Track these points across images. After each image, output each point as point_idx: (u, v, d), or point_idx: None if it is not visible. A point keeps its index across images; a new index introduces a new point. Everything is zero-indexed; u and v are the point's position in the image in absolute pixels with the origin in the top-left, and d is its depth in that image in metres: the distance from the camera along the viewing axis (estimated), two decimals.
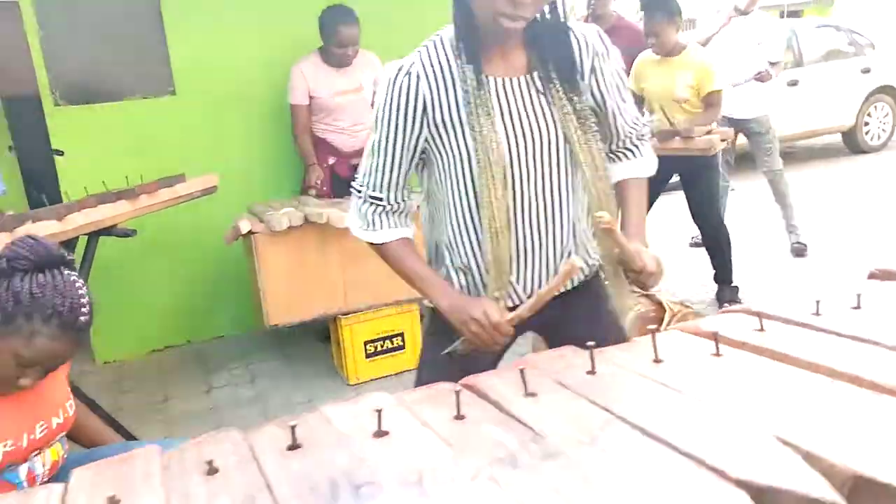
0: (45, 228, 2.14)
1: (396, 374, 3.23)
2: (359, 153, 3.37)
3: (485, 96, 1.32)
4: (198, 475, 0.66)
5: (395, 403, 0.78)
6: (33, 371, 1.47)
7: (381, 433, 0.68)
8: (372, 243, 1.46)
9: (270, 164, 3.77)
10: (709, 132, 3.17)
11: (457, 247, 1.44)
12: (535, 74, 1.37)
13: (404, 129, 1.36)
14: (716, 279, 3.78)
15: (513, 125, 1.35)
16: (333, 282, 3.05)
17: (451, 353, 1.43)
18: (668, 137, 3.16)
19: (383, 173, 1.41)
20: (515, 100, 1.36)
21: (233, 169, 3.51)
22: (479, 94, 1.32)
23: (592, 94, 1.42)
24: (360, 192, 1.44)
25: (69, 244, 2.32)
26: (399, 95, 1.34)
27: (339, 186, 3.50)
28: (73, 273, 1.51)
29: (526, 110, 1.36)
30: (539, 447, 0.63)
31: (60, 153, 3.36)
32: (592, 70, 1.40)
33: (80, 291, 1.48)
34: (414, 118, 1.36)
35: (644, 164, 1.54)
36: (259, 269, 2.90)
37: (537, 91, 1.37)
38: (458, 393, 0.73)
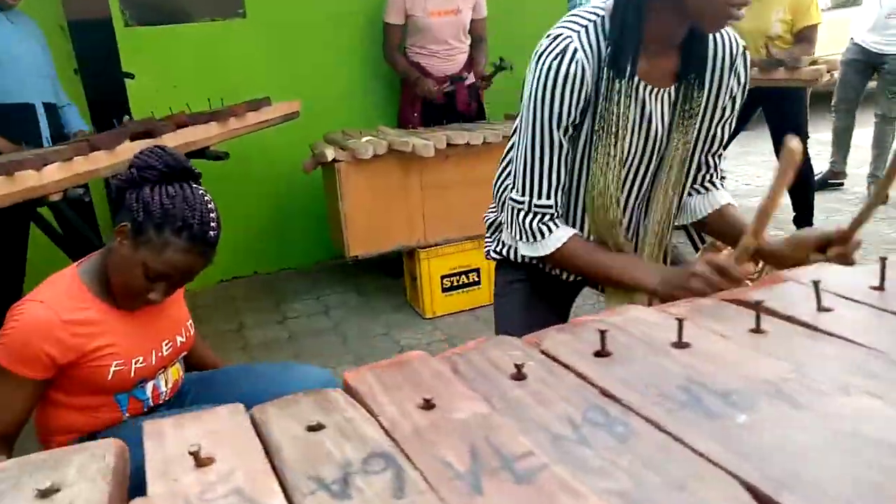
0: (142, 148, 2.08)
1: (471, 309, 3.19)
2: (448, 78, 3.33)
3: (628, 98, 1.22)
4: (505, 378, 0.59)
5: (665, 318, 0.70)
6: (162, 285, 1.43)
7: (681, 344, 0.61)
8: (546, 256, 1.31)
9: (344, 92, 3.67)
10: (814, 62, 2.98)
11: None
12: (681, 85, 1.27)
13: (568, 123, 1.22)
14: (796, 221, 3.65)
15: (646, 130, 1.28)
16: (414, 214, 2.98)
17: None
18: (772, 67, 2.98)
19: (550, 176, 1.26)
20: (654, 109, 1.27)
21: (302, 96, 3.40)
22: (625, 95, 1.22)
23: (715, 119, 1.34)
24: (522, 203, 1.29)
25: None
26: (567, 84, 1.19)
27: (430, 114, 3.40)
28: (200, 187, 1.45)
29: (662, 120, 1.29)
30: None
31: (131, 76, 3.28)
32: (731, 97, 1.33)
33: (210, 205, 1.43)
34: (578, 110, 1.22)
35: (726, 194, 1.46)
36: (342, 198, 2.83)
37: (679, 102, 1.28)
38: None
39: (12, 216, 1.96)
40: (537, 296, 1.46)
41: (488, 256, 1.53)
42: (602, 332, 0.60)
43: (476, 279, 3.18)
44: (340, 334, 3.03)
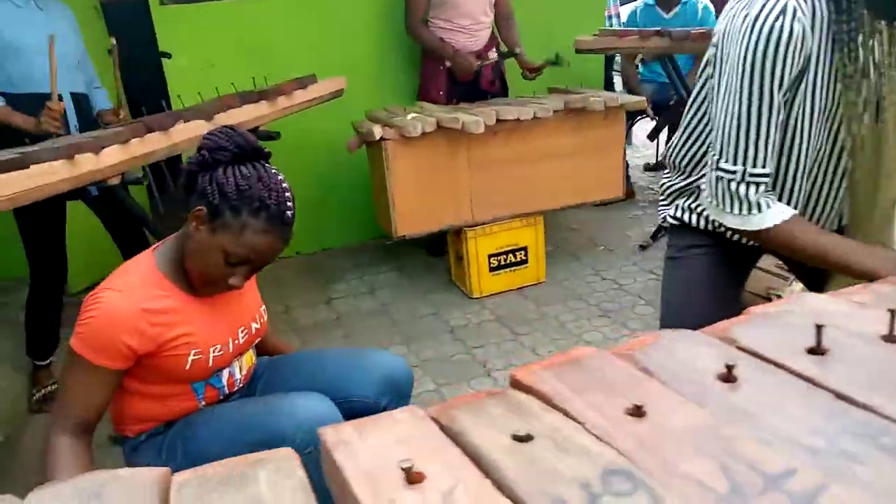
0: (196, 129, 2.03)
1: (518, 288, 3.14)
2: (475, 55, 3.24)
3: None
4: (712, 379, 0.53)
5: (853, 307, 0.64)
6: (242, 269, 1.39)
7: (892, 337, 0.55)
8: (761, 230, 1.23)
9: (385, 69, 3.59)
10: None
11: None
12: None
13: (787, 86, 1.18)
14: None
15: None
16: (462, 192, 2.92)
17: None
18: None
19: (767, 143, 1.20)
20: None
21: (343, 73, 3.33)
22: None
23: None
24: (734, 172, 1.22)
25: None
26: (790, 43, 1.14)
27: (455, 92, 3.32)
28: (272, 166, 1.40)
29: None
30: None
31: (168, 56, 3.22)
32: None
33: (284, 184, 1.38)
34: (799, 69, 1.17)
35: None
36: (389, 177, 2.77)
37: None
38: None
39: (57, 201, 1.92)
40: (718, 263, 1.45)
41: (663, 222, 1.53)
42: (818, 327, 0.54)
43: (524, 258, 3.12)
44: (388, 315, 3.00)
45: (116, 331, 1.32)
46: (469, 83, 3.30)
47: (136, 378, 1.43)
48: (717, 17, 3.89)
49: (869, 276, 1.11)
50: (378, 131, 2.69)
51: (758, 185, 1.21)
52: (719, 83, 1.24)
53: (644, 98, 3.17)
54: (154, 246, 1.48)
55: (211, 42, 3.27)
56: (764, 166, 1.20)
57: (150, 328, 1.35)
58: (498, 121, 2.75)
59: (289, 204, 1.36)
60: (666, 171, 1.56)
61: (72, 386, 1.36)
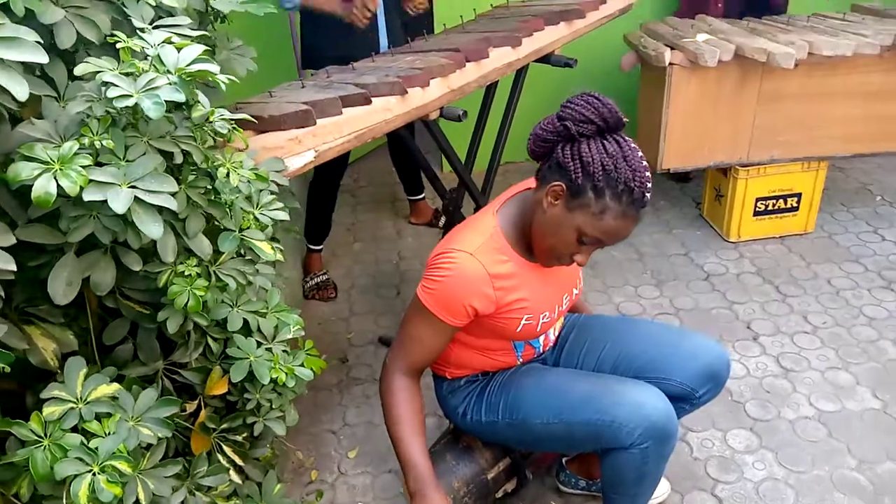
0: (504, 56, 1.94)
1: (781, 237, 2.87)
2: None
3: None
4: None
5: None
6: (590, 249, 1.33)
7: None
8: None
9: None
10: None
11: None
12: None
13: None
14: None
15: None
16: (743, 127, 2.64)
17: None
18: None
19: None
20: None
21: None
22: None
23: None
24: None
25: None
26: None
27: (735, 2, 2.93)
28: (632, 140, 1.29)
29: None
30: None
31: None
32: None
33: (644, 163, 1.26)
34: None
35: None
36: (668, 106, 2.55)
37: None
38: None
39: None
40: None
41: None
42: None
43: (795, 205, 2.83)
44: (635, 249, 2.88)
45: (466, 293, 1.33)
46: None
47: (466, 331, 1.46)
48: None
49: None
50: (668, 55, 2.45)
51: None
52: None
53: None
54: (496, 204, 1.45)
55: None
56: None
57: (494, 292, 1.35)
58: (810, 54, 2.40)
59: (649, 185, 1.25)
60: None
61: (414, 334, 1.42)
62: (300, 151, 1.40)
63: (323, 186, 2.59)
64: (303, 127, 1.40)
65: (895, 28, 2.54)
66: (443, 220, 2.96)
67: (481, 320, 1.41)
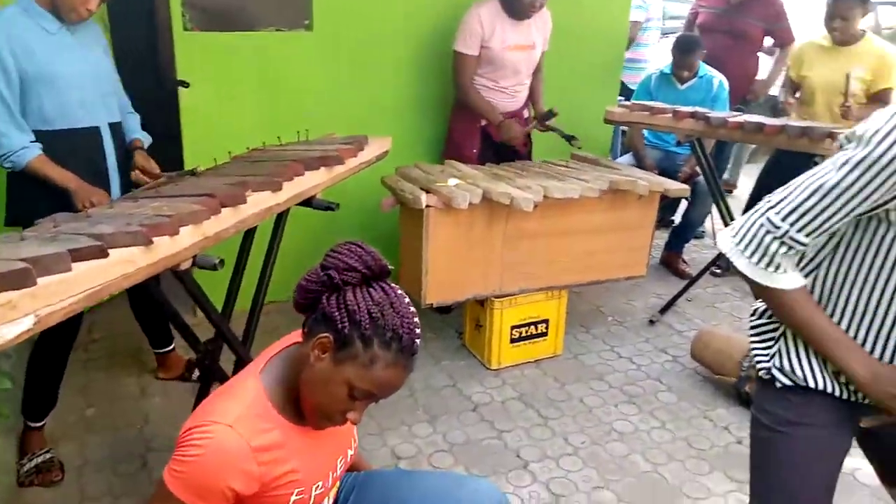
0: (264, 201, 1.87)
1: (535, 360, 3.07)
2: (513, 115, 3.17)
3: None
4: None
5: None
6: (362, 405, 1.26)
7: None
8: (768, 287, 1.24)
9: (408, 120, 3.48)
10: None
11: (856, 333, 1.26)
12: None
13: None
14: None
15: None
16: (494, 263, 2.83)
17: (868, 428, 1.30)
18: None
19: (825, 220, 1.17)
20: None
21: (367, 122, 3.20)
22: None
23: None
24: (778, 228, 1.19)
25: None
26: None
27: (489, 151, 3.25)
28: (397, 287, 1.28)
29: None
30: None
31: (186, 85, 3.01)
32: None
33: (412, 309, 1.26)
34: None
35: None
36: (427, 244, 2.66)
37: None
38: None
39: None
40: (836, 441, 1.34)
41: (761, 372, 1.37)
42: None
43: (544, 330, 3.06)
44: (407, 385, 2.84)
45: (224, 474, 1.16)
46: (501, 143, 3.24)
47: None
48: (728, 97, 3.97)
49: (849, 374, 1.23)
50: (424, 199, 2.58)
51: (790, 248, 1.20)
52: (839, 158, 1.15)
53: (687, 187, 3.19)
54: (260, 363, 1.32)
55: (232, 74, 3.08)
56: (807, 236, 1.18)
57: (257, 468, 1.20)
58: (545, 197, 2.69)
59: (418, 332, 1.24)
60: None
61: None
62: (15, 318, 1.17)
63: (48, 354, 2.21)
64: (19, 289, 1.17)
65: (608, 174, 2.98)
66: (196, 372, 2.70)
67: (246, 502, 1.23)
